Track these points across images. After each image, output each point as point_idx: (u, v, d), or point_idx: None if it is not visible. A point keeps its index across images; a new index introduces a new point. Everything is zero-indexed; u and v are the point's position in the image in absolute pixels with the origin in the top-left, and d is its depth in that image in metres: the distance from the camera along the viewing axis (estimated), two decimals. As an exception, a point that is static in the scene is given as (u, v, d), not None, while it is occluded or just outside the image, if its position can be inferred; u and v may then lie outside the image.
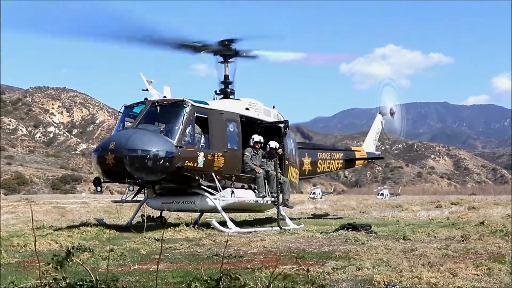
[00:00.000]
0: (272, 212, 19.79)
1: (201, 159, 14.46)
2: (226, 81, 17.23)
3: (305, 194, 77.07)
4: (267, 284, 4.36)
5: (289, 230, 14.97)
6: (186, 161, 14.12)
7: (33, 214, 21.99)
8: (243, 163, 15.81)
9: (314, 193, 67.61)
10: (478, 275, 7.16)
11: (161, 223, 16.48)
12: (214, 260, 9.00)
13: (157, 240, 11.43)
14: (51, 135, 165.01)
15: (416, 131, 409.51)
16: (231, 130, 15.74)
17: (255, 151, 16.04)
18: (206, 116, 15.07)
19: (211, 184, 14.76)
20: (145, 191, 16.06)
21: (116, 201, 22.23)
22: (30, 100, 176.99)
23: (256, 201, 15.90)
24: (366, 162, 25.49)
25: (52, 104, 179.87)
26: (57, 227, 14.89)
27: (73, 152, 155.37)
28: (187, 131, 14.47)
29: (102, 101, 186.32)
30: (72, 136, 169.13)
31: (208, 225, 15.77)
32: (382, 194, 70.40)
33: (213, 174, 14.68)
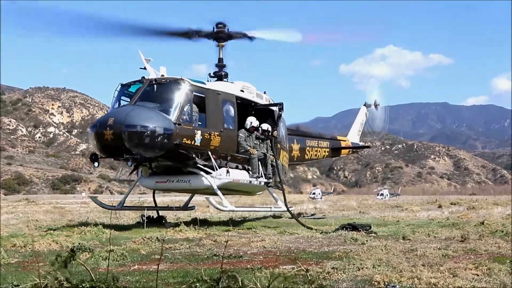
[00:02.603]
0: (271, 213, 19.79)
1: (198, 137, 14.56)
2: (220, 64, 17.33)
3: (305, 194, 77.06)
4: (267, 284, 4.36)
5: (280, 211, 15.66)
6: (184, 139, 14.20)
7: (32, 214, 21.97)
8: (238, 144, 15.96)
9: (314, 193, 67.54)
10: (478, 275, 7.17)
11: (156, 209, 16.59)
12: (214, 260, 9.01)
13: (157, 240, 11.44)
14: (51, 136, 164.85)
15: (416, 131, 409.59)
16: (227, 110, 15.87)
17: (248, 133, 16.19)
18: (204, 96, 15.17)
19: (207, 163, 14.88)
20: (140, 170, 16.15)
21: (111, 180, 22.60)
22: (30, 101, 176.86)
23: (250, 182, 16.08)
24: (351, 151, 25.98)
25: (52, 105, 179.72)
26: (57, 227, 14.89)
27: (73, 153, 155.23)
28: (185, 109, 14.56)
29: (102, 101, 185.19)
30: (72, 137, 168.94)
31: (206, 224, 15.79)
32: (382, 194, 70.25)
33: (209, 153, 14.80)
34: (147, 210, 15.35)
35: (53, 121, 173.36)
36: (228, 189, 16.34)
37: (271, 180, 16.45)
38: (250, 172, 16.10)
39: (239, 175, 15.90)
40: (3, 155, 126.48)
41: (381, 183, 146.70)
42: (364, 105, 26.74)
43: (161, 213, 17.84)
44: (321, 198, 61.88)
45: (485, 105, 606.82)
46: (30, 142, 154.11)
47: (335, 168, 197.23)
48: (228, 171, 15.27)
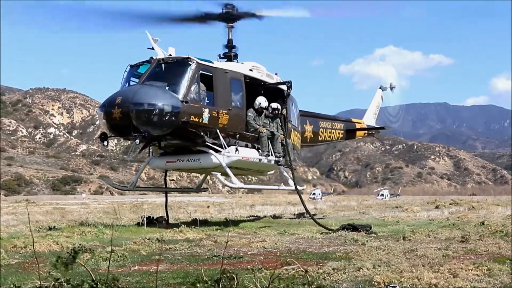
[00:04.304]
0: (271, 213, 19.73)
1: (206, 115, 14.59)
2: (229, 45, 17.33)
3: (305, 194, 77.05)
4: (267, 285, 4.36)
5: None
6: (192, 116, 14.23)
7: (33, 215, 21.96)
8: (247, 123, 16.00)
9: (314, 193, 67.48)
10: (478, 275, 7.16)
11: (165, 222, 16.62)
12: (214, 261, 9.00)
13: (158, 240, 11.43)
14: (51, 136, 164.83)
15: (416, 131, 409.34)
16: (235, 89, 15.85)
17: (257, 113, 16.26)
18: (211, 74, 15.19)
19: (216, 142, 14.95)
20: (150, 150, 16.29)
21: (123, 159, 22.72)
22: (30, 101, 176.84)
23: (260, 160, 16.12)
24: (366, 134, 25.69)
25: (52, 105, 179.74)
26: (57, 228, 14.89)
27: (73, 153, 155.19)
28: (192, 87, 14.57)
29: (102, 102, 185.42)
30: (72, 137, 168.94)
31: (206, 224, 15.79)
32: (382, 195, 70.25)
33: (218, 131, 14.85)
34: (159, 191, 15.48)
35: (53, 122, 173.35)
36: (238, 168, 16.32)
37: (281, 158, 16.47)
38: (260, 151, 16.14)
39: (249, 153, 15.92)
40: (3, 156, 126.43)
41: (381, 184, 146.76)
42: (380, 88, 26.65)
43: (161, 213, 17.88)
44: (321, 198, 61.85)
45: (485, 105, 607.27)
46: (30, 143, 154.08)
47: (335, 168, 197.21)
48: (237, 149, 15.31)
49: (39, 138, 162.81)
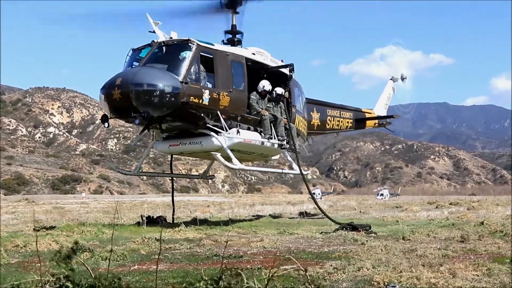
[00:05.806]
0: (272, 213, 19.67)
1: (206, 96, 14.53)
2: (233, 31, 17.25)
3: (305, 194, 77.05)
4: (266, 284, 4.36)
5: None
6: (192, 97, 14.19)
7: (33, 214, 21.96)
8: (249, 106, 15.97)
9: (314, 193, 67.37)
10: (477, 275, 7.17)
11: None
12: (214, 260, 9.01)
13: (157, 240, 11.44)
14: (51, 136, 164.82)
15: (416, 131, 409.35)
16: (237, 71, 15.76)
17: (260, 96, 16.25)
18: (212, 56, 15.15)
19: (217, 124, 14.94)
20: (153, 134, 16.36)
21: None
22: (30, 101, 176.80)
23: (262, 143, 16.06)
24: (377, 124, 25.28)
25: (52, 105, 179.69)
26: (57, 227, 14.89)
27: (73, 153, 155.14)
28: (192, 69, 14.55)
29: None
30: (72, 137, 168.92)
31: (206, 224, 15.79)
32: (381, 195, 70.23)
33: (219, 112, 14.81)
34: (164, 177, 15.55)
35: (53, 121, 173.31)
36: (241, 152, 16.27)
37: (284, 142, 16.45)
38: (262, 134, 16.12)
39: (250, 135, 15.86)
40: (3, 155, 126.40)
41: (381, 183, 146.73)
42: (391, 79, 26.47)
43: (161, 213, 17.90)
44: (321, 198, 61.82)
45: (485, 105, 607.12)
46: (30, 142, 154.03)
47: (335, 168, 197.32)
48: (238, 131, 15.26)
49: (39, 137, 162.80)
